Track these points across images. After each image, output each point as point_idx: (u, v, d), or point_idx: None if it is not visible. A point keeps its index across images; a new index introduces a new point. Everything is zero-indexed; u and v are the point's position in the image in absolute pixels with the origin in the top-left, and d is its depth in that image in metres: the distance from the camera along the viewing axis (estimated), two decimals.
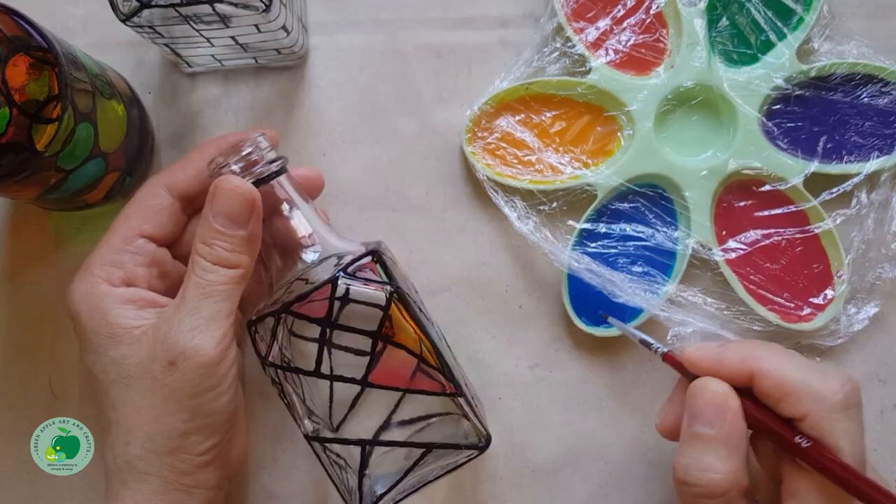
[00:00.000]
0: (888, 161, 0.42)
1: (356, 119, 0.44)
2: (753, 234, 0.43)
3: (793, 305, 0.42)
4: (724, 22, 0.43)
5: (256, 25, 0.37)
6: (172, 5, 0.35)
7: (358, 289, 0.36)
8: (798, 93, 0.43)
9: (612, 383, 0.43)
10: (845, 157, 0.42)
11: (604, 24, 0.43)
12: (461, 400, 0.36)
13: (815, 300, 0.42)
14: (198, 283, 0.34)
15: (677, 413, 0.35)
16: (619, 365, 0.43)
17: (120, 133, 0.39)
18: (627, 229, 0.42)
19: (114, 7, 0.35)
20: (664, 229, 0.42)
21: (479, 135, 0.43)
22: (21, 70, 0.36)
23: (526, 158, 0.43)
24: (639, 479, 0.43)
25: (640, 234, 0.42)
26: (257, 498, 0.43)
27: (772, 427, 0.33)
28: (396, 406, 0.37)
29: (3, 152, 0.36)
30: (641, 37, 0.43)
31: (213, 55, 0.42)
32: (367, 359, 0.36)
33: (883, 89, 0.42)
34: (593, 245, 0.42)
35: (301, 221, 0.37)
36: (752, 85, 0.42)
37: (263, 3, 0.35)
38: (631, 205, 0.43)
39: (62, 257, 0.43)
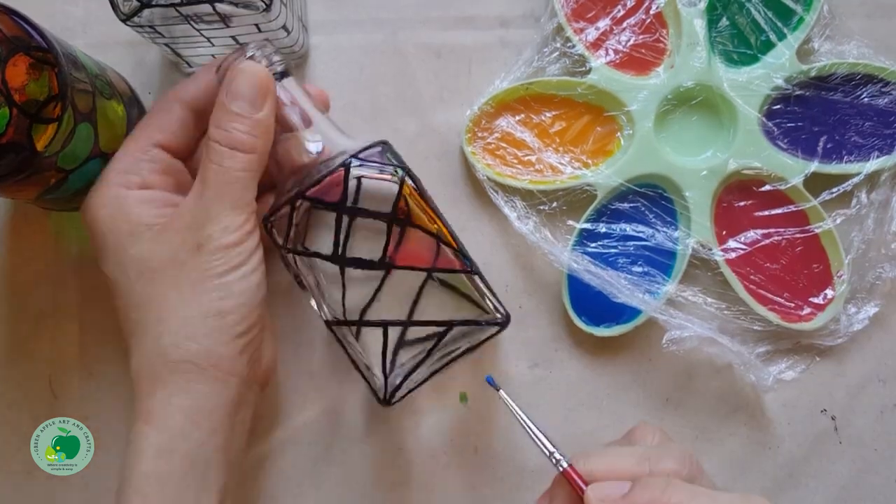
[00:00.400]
0: (888, 161, 0.42)
1: (356, 119, 0.44)
2: (753, 234, 0.43)
3: (793, 305, 0.42)
4: (724, 22, 0.43)
5: (257, 25, 0.37)
6: (173, 5, 0.35)
7: (371, 175, 0.36)
8: (798, 93, 0.43)
9: (612, 383, 0.43)
10: (845, 157, 0.42)
11: (604, 24, 0.43)
12: (478, 279, 0.37)
13: (815, 300, 0.43)
14: (217, 171, 0.34)
15: None
16: (619, 365, 0.43)
17: (120, 133, 0.39)
18: (627, 229, 0.42)
19: (114, 7, 0.35)
20: (664, 229, 0.42)
21: (479, 135, 0.43)
22: (21, 70, 0.36)
23: (526, 158, 0.43)
24: None
25: (640, 234, 0.42)
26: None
27: None
28: (411, 313, 0.37)
29: (3, 152, 0.36)
30: (641, 37, 0.43)
31: (213, 55, 0.41)
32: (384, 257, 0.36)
33: (883, 89, 0.42)
34: (593, 245, 0.42)
35: (308, 120, 0.37)
36: (752, 85, 0.42)
37: (264, 2, 0.35)
38: (631, 205, 0.42)
39: (62, 257, 0.43)
